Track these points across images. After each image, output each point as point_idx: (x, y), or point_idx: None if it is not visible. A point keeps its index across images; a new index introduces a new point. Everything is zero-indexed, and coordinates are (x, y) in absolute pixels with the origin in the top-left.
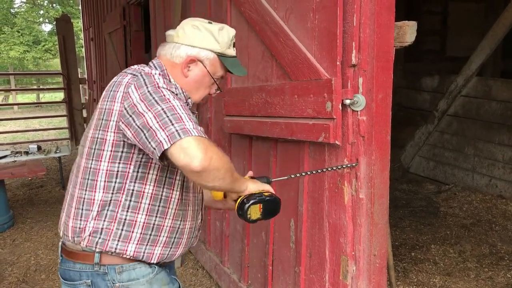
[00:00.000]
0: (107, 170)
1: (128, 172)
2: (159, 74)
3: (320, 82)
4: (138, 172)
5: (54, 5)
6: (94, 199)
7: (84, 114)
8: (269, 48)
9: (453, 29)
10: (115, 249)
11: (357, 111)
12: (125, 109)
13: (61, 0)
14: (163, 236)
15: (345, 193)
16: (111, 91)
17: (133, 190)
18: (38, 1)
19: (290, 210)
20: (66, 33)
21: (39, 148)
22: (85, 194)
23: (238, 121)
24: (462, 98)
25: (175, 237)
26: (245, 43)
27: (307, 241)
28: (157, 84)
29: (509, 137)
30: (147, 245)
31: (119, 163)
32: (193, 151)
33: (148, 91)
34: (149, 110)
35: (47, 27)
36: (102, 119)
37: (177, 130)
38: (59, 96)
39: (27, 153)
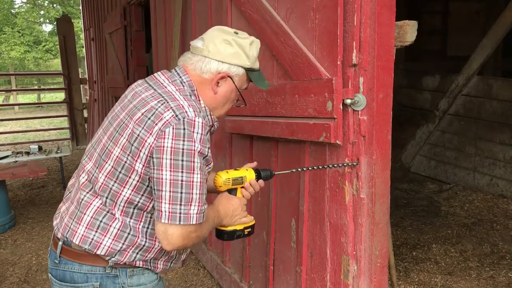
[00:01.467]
0: (128, 198)
1: (148, 206)
2: (201, 121)
3: (320, 81)
4: None
5: (54, 5)
6: (115, 217)
7: (85, 114)
8: (270, 48)
9: (454, 29)
10: (126, 263)
11: (358, 110)
12: (155, 148)
13: (61, 0)
14: (167, 256)
15: (346, 193)
16: (147, 118)
17: (150, 218)
18: (39, 1)
19: (291, 210)
20: (67, 33)
21: (40, 148)
22: (104, 208)
23: (239, 121)
24: (463, 97)
25: (176, 254)
26: None
27: (308, 240)
28: (194, 142)
29: (510, 136)
30: (152, 259)
31: (142, 195)
32: (172, 240)
33: (182, 149)
34: (171, 171)
35: (48, 27)
36: (132, 145)
37: (180, 214)
38: (60, 96)
39: (28, 153)
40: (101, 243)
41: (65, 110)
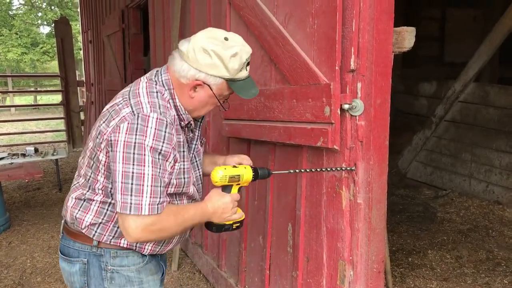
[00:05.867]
0: (103, 184)
1: None
2: (157, 116)
3: (319, 86)
4: None
5: (52, 7)
6: (95, 199)
7: (82, 116)
8: (268, 53)
9: (451, 35)
10: (110, 241)
11: (356, 116)
12: (110, 141)
13: (59, 3)
14: None
15: (343, 198)
16: (109, 113)
17: None
18: (37, 3)
19: (288, 214)
20: (65, 35)
21: (36, 150)
22: (87, 192)
23: (237, 125)
24: (459, 104)
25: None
26: None
27: (304, 245)
28: (146, 137)
29: (506, 143)
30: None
31: (112, 182)
32: (129, 231)
33: (134, 143)
34: (123, 163)
35: (46, 29)
36: (97, 137)
37: (131, 203)
38: (57, 98)
39: (24, 155)
40: (83, 220)
41: (62, 112)
